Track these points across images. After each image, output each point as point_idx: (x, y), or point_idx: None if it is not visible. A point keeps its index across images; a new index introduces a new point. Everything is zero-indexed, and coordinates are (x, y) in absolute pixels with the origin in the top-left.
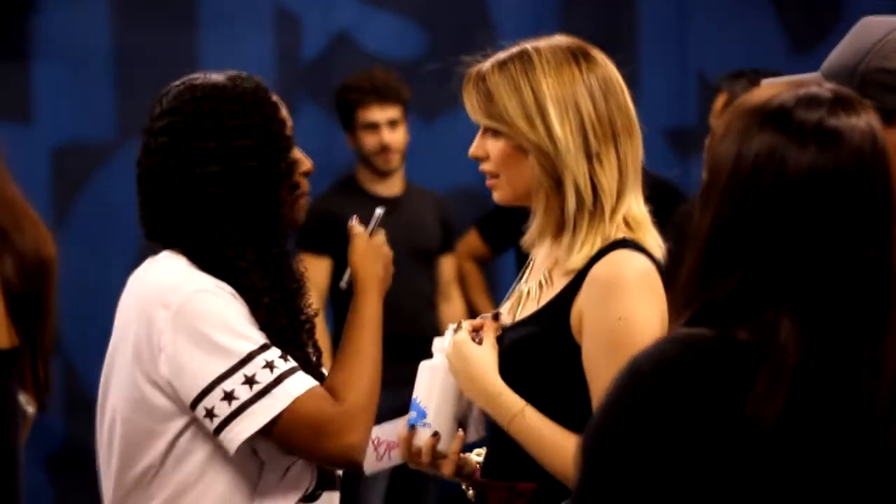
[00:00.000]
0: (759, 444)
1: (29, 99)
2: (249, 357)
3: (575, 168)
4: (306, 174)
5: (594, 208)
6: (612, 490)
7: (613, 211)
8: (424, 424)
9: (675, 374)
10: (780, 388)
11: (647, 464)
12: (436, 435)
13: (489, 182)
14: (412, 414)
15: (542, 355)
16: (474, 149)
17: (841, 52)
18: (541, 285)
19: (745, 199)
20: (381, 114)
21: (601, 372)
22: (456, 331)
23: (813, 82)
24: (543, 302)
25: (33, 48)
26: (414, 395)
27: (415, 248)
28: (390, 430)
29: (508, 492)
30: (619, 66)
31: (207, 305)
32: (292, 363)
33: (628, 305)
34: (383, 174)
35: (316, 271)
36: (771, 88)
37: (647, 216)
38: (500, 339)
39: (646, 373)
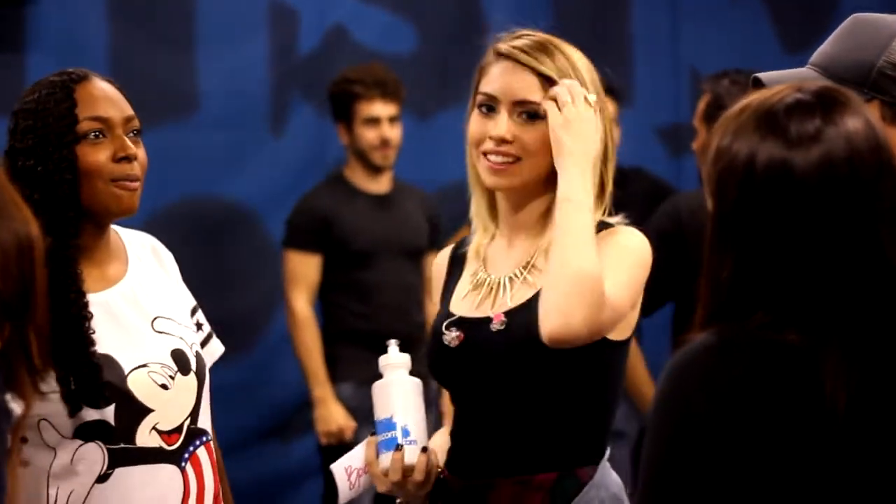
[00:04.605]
0: (833, 441)
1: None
2: None
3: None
4: (126, 159)
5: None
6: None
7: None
8: (411, 442)
9: (732, 384)
10: (843, 387)
11: (721, 469)
12: (425, 450)
13: (502, 166)
14: (389, 434)
15: None
16: (505, 130)
17: (846, 46)
18: (518, 275)
19: (763, 209)
20: (383, 109)
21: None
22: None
23: (808, 80)
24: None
25: (28, 43)
26: (385, 415)
27: (403, 245)
28: (358, 456)
29: (522, 486)
30: (612, 65)
31: None
32: None
33: (634, 243)
34: (377, 170)
35: (306, 268)
36: (765, 94)
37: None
38: (508, 325)
39: (697, 386)
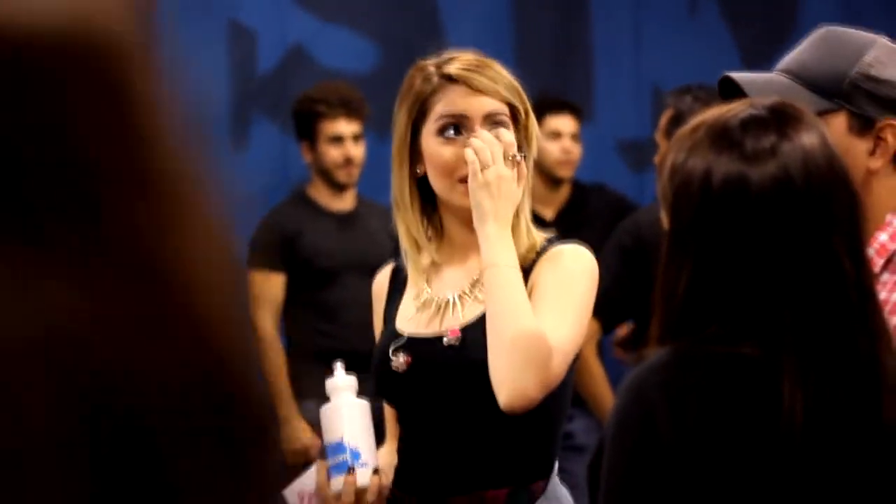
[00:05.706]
0: (793, 451)
1: None
2: None
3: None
4: None
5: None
6: None
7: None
8: (363, 465)
9: (692, 397)
10: (801, 397)
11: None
12: (376, 471)
13: None
14: (340, 457)
15: None
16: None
17: (818, 55)
18: (468, 292)
19: (719, 224)
20: (347, 127)
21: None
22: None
23: (779, 84)
24: None
25: None
26: (335, 438)
27: (368, 263)
28: (310, 481)
29: (476, 500)
30: (573, 80)
31: None
32: None
33: (579, 267)
34: (341, 188)
35: (270, 288)
36: (719, 111)
37: None
38: (462, 341)
39: (658, 400)
